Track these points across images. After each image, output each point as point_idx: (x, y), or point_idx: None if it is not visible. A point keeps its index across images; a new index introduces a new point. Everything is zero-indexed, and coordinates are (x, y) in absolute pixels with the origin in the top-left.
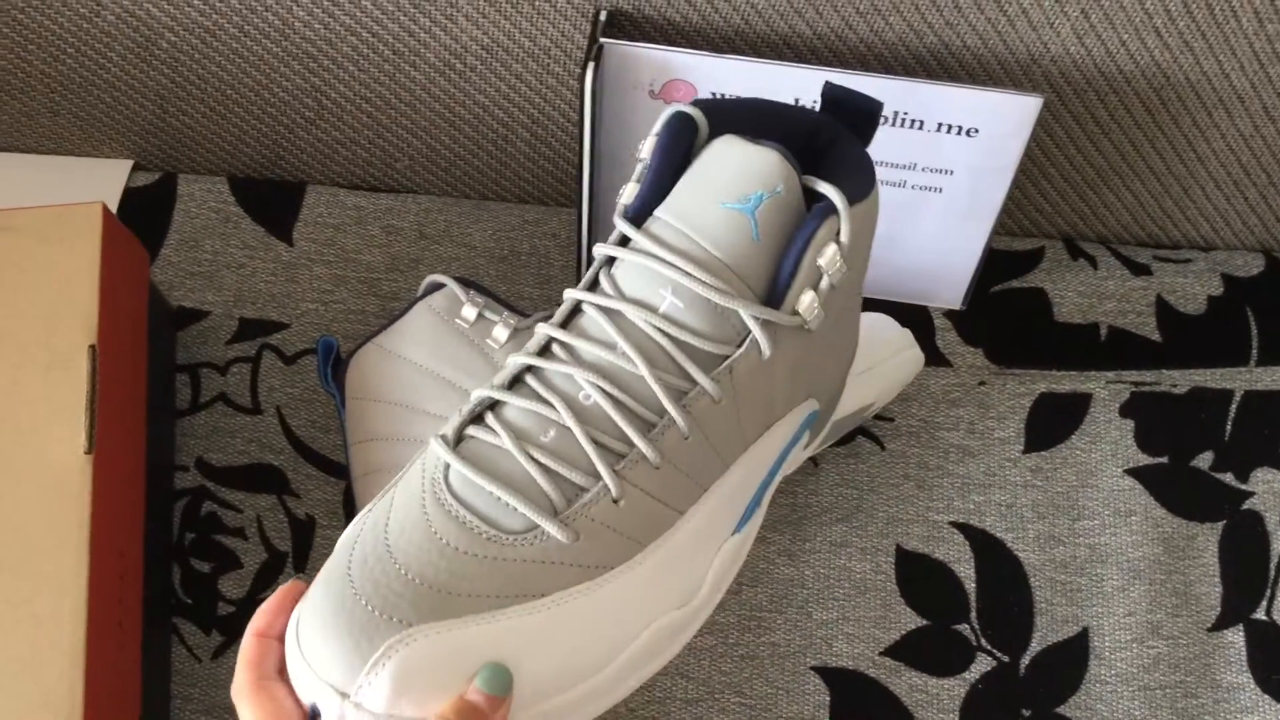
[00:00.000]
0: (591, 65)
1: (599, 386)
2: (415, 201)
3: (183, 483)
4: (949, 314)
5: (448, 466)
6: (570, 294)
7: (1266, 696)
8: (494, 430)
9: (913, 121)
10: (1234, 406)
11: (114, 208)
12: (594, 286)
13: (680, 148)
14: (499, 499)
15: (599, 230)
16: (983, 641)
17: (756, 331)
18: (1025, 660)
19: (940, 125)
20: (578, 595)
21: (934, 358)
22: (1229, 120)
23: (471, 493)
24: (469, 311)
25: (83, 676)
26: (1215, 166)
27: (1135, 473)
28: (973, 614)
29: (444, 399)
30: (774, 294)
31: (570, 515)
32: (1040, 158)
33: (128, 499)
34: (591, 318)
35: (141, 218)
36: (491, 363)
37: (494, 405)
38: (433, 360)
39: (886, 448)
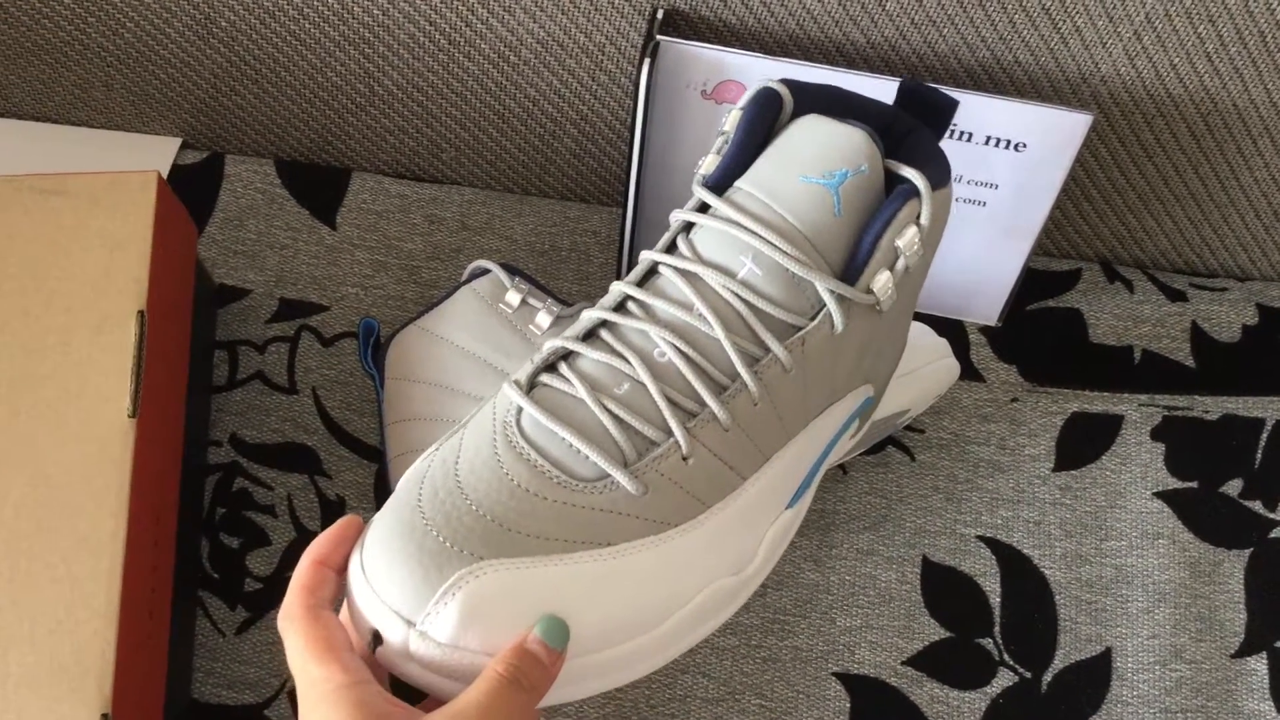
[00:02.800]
0: (648, 62)
1: (674, 345)
2: (459, 193)
3: (216, 458)
4: (984, 330)
5: (520, 410)
6: (647, 255)
7: None
8: (568, 379)
9: (961, 133)
10: (1265, 435)
11: None
12: (671, 249)
13: (765, 122)
14: (571, 445)
15: (644, 229)
16: (1005, 656)
17: (831, 305)
18: (1047, 677)
19: (989, 138)
20: (642, 548)
21: (968, 372)
22: (1274, 149)
23: (544, 437)
24: (513, 297)
25: (115, 638)
26: (1256, 195)
27: (1164, 496)
28: (996, 628)
29: (485, 382)
30: (851, 270)
31: (640, 468)
32: (1083, 178)
33: (166, 467)
34: (669, 279)
35: (187, 195)
36: (534, 348)
37: (568, 355)
38: (475, 343)
39: (917, 459)
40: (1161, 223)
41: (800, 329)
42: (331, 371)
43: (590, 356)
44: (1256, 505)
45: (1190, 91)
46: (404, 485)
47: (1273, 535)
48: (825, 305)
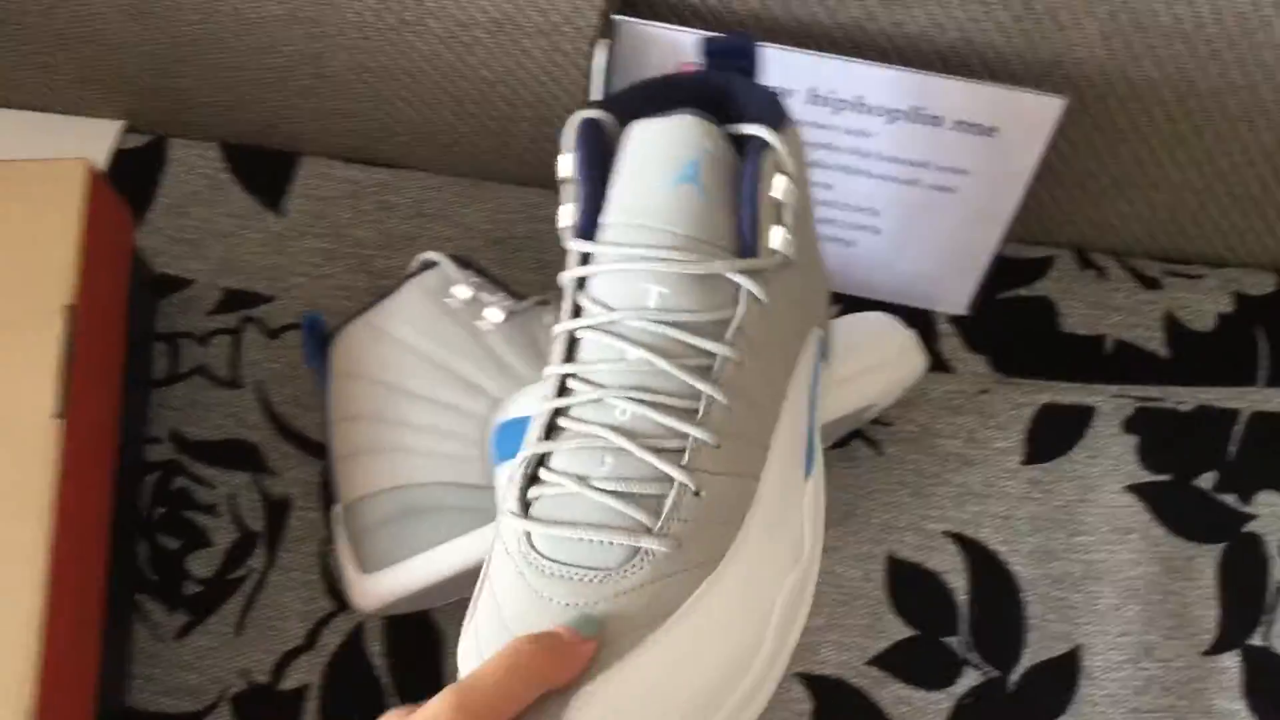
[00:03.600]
0: (604, 42)
1: (631, 399)
2: (413, 178)
3: (155, 455)
4: (953, 319)
5: (528, 534)
6: (559, 328)
7: None
8: (554, 483)
9: (930, 117)
10: (1240, 427)
11: (102, 168)
12: (577, 312)
13: (600, 151)
14: (590, 541)
15: None
16: (972, 655)
17: (747, 284)
18: (1014, 676)
19: (958, 122)
20: (706, 594)
21: (936, 363)
22: (1252, 134)
23: (564, 548)
24: (462, 291)
25: (38, 648)
26: (1234, 181)
27: (1136, 490)
28: (963, 626)
29: (432, 379)
30: (745, 244)
31: (663, 526)
32: (1056, 164)
33: (96, 468)
34: (592, 341)
35: (130, 180)
36: (483, 344)
37: (542, 460)
38: (423, 340)
39: (884, 453)
40: (1136, 209)
41: (731, 320)
42: (277, 365)
43: (563, 450)
44: (1230, 499)
45: (1166, 74)
46: (462, 662)
47: (1246, 530)
48: (742, 287)
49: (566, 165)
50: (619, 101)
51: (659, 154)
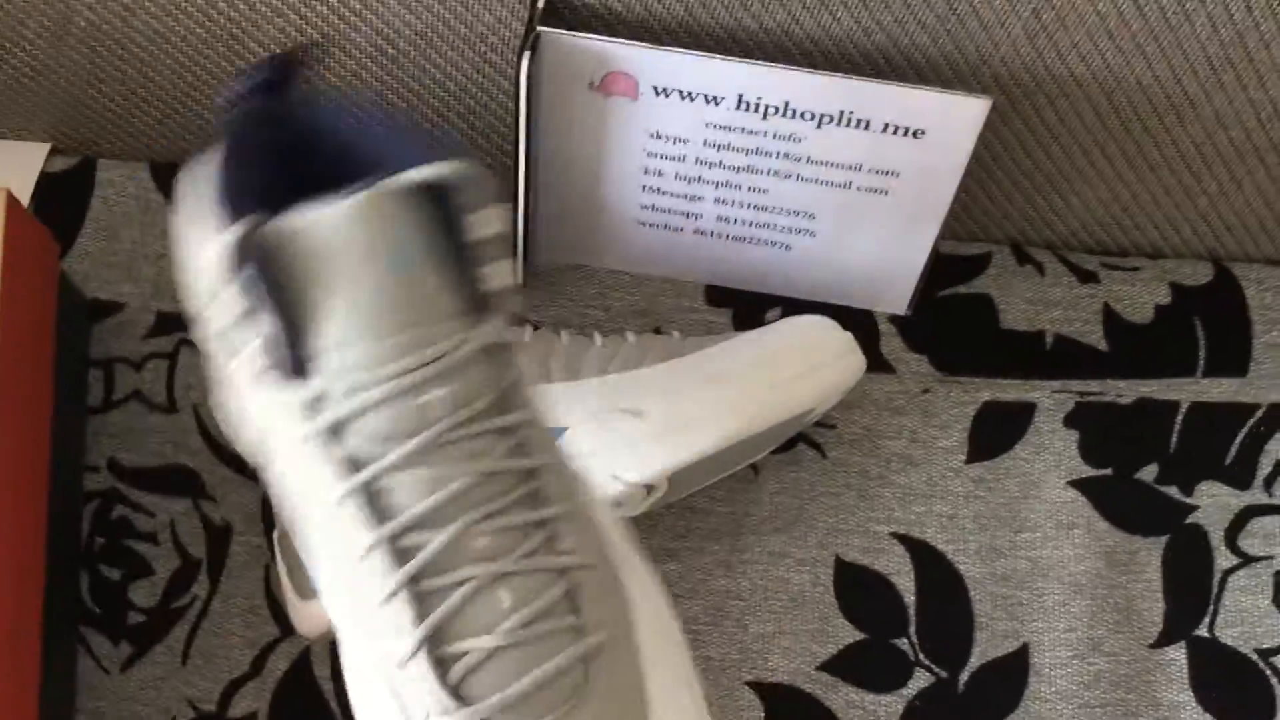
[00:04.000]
0: (527, 54)
1: (482, 573)
2: None
3: (93, 484)
4: (893, 319)
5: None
6: (368, 539)
7: (1208, 715)
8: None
9: (859, 121)
10: (1180, 418)
11: (29, 192)
12: (358, 467)
13: (274, 269)
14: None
15: (541, 227)
16: (921, 656)
17: (504, 335)
18: (964, 676)
19: (886, 126)
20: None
21: (878, 364)
22: (1180, 127)
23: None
24: None
25: None
26: (1165, 174)
27: (1079, 484)
28: (912, 628)
29: None
30: (476, 298)
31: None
32: (988, 161)
33: (27, 500)
34: (390, 489)
35: (58, 204)
36: None
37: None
38: None
39: (828, 455)
40: (1070, 203)
41: (509, 386)
42: None
43: (457, 642)
44: (1172, 490)
45: (1093, 70)
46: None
47: (1189, 521)
48: (500, 341)
49: (229, 306)
50: (280, 220)
51: (359, 248)
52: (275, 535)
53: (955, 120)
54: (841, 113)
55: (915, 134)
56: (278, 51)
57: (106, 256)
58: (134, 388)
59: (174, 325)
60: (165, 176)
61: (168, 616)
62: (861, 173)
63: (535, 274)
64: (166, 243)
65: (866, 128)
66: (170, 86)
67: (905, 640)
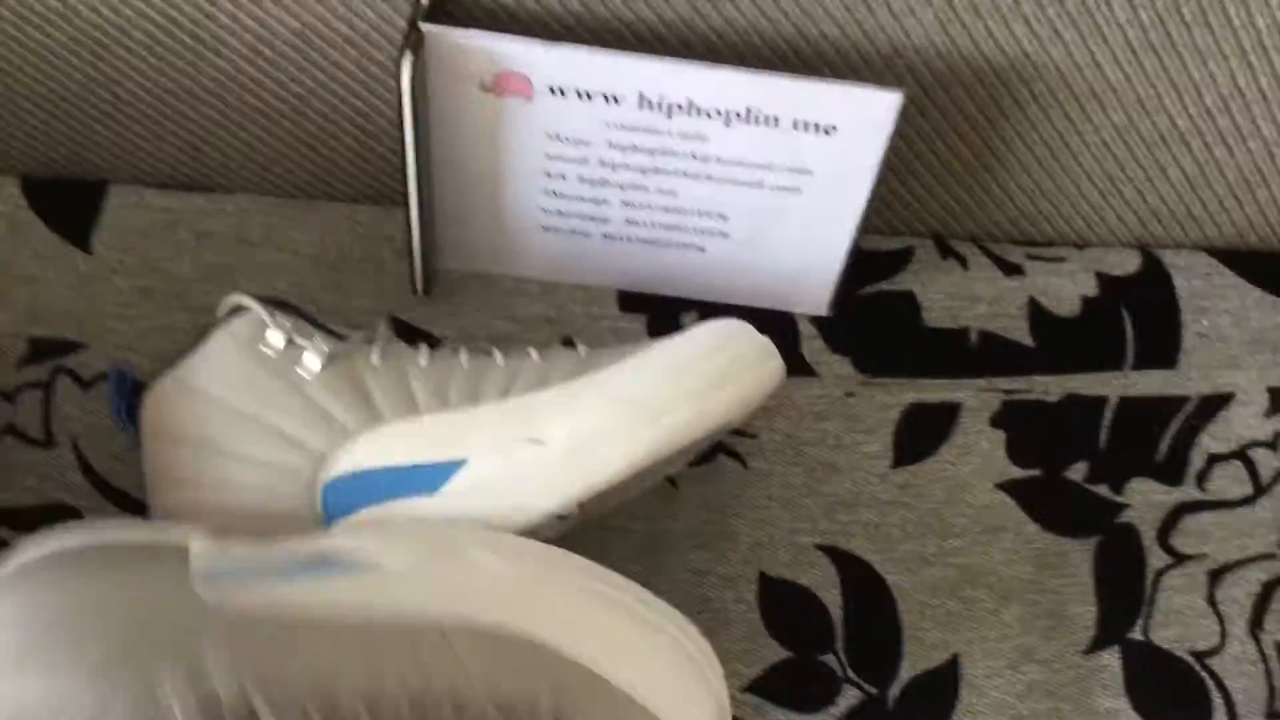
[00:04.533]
0: (409, 55)
1: None
2: (231, 202)
3: None
4: (815, 321)
5: None
6: None
7: None
8: None
9: (767, 118)
10: (1108, 413)
11: None
12: None
13: None
14: None
15: (438, 231)
16: (850, 672)
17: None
18: (894, 691)
19: (796, 122)
20: None
21: (800, 368)
22: (1102, 113)
23: None
24: (275, 338)
25: None
26: (1089, 161)
27: (1006, 487)
28: (839, 643)
29: (250, 437)
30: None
31: None
32: (906, 153)
33: None
34: None
35: None
36: (303, 395)
37: None
38: (236, 395)
39: (750, 466)
40: (992, 193)
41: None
42: (94, 419)
43: None
44: (1102, 489)
45: (1011, 58)
46: None
47: (1120, 520)
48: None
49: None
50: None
51: None
52: None
53: (868, 115)
54: (749, 109)
55: (826, 130)
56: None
57: None
58: (6, 421)
59: (49, 352)
60: (36, 192)
61: None
62: (773, 171)
63: (436, 284)
64: (39, 263)
65: (775, 125)
66: (35, 97)
67: (833, 656)
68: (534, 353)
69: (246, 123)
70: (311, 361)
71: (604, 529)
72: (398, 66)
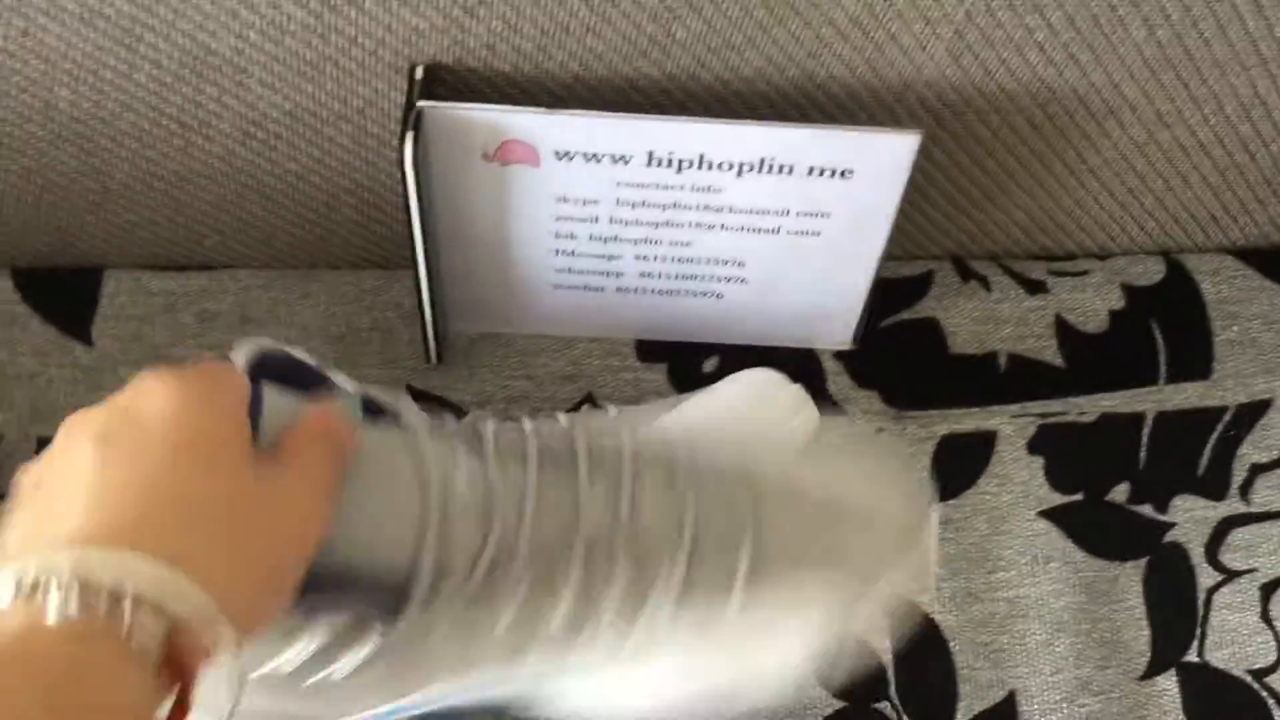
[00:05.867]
0: (410, 135)
1: None
2: (233, 279)
3: None
4: (838, 355)
5: None
6: None
7: None
8: None
9: (780, 167)
10: (1146, 431)
11: None
12: None
13: None
14: None
15: (448, 303)
16: (905, 719)
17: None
18: None
19: (811, 169)
20: None
21: (828, 405)
22: (1121, 129)
23: None
24: None
25: None
26: (1108, 176)
27: (1049, 514)
28: (892, 689)
29: None
30: None
31: None
32: (922, 183)
33: None
34: None
35: None
36: None
37: None
38: None
39: None
40: (1011, 214)
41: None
42: None
43: None
44: (1146, 509)
45: (1024, 84)
46: None
47: (1167, 539)
48: None
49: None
50: None
51: None
52: None
53: (885, 157)
54: (762, 160)
55: (843, 174)
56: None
57: None
58: None
59: None
60: (30, 284)
61: None
62: (790, 216)
63: (449, 348)
64: (39, 359)
65: (790, 173)
66: (20, 190)
67: (887, 704)
68: (562, 418)
69: (243, 201)
70: None
71: None
72: (400, 147)
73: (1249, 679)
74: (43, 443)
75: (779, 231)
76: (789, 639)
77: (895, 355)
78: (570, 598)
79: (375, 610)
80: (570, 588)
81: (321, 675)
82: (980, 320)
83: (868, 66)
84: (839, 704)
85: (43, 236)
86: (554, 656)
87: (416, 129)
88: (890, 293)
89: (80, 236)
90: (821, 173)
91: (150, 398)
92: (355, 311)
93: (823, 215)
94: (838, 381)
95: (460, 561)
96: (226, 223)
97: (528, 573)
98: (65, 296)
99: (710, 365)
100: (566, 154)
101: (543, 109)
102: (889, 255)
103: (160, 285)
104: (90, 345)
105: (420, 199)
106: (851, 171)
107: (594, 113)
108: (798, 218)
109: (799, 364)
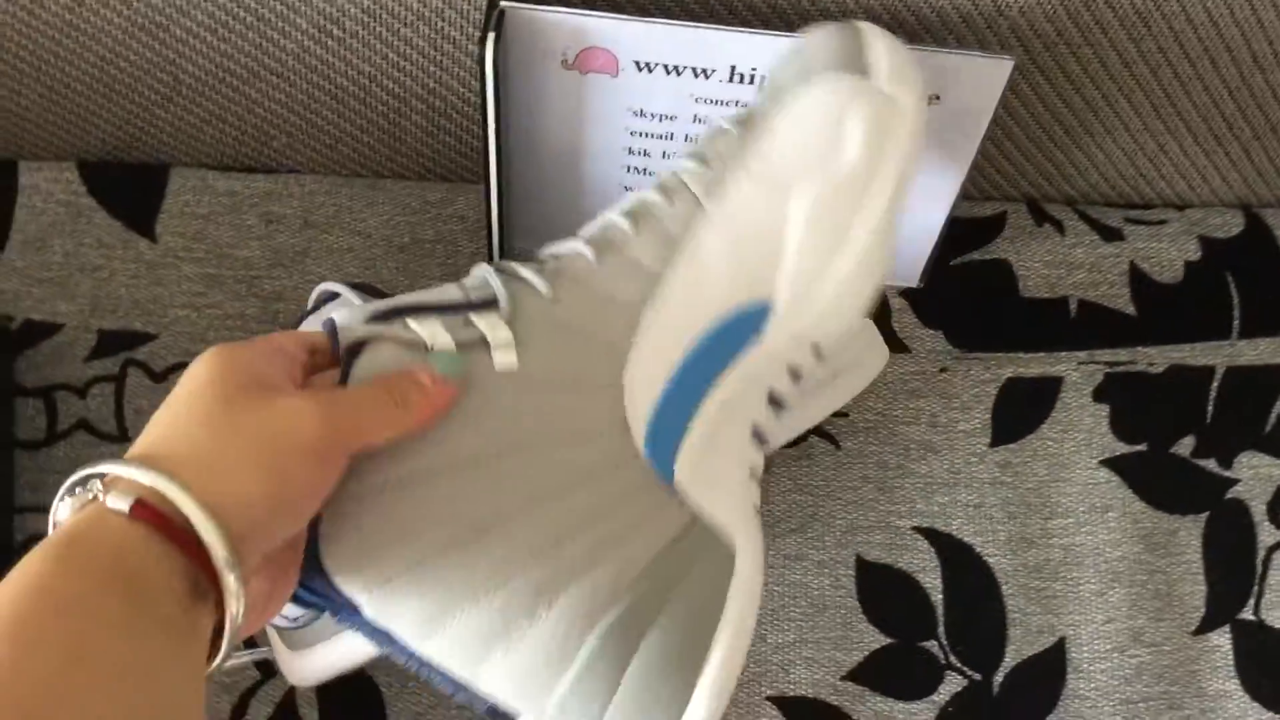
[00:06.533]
0: (492, 35)
1: None
2: (298, 183)
3: (35, 527)
4: (904, 293)
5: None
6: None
7: (1256, 704)
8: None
9: None
10: (1215, 385)
11: None
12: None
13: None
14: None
15: (516, 212)
16: (952, 659)
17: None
18: (998, 678)
19: None
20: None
21: (891, 343)
22: (1214, 71)
23: None
24: (440, 338)
25: None
26: (1196, 121)
27: (1111, 463)
28: (940, 629)
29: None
30: None
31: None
32: (1004, 116)
33: None
34: None
35: None
36: (532, 386)
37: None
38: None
39: (842, 446)
40: (1092, 156)
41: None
42: None
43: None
44: (1210, 464)
45: (1120, 16)
46: None
47: (1229, 496)
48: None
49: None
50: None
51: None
52: None
53: (974, 83)
54: None
55: (931, 99)
56: None
57: (36, 272)
58: (79, 417)
59: (119, 344)
60: (96, 177)
61: None
62: None
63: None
64: (103, 252)
65: None
66: (93, 81)
67: (935, 643)
68: (686, 163)
69: (313, 103)
70: (500, 336)
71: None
72: (481, 46)
73: None
74: (103, 335)
75: None
76: None
77: (963, 295)
78: None
79: None
80: None
81: None
82: (1053, 264)
83: None
84: (886, 640)
85: (111, 129)
86: None
87: (498, 29)
88: (962, 232)
89: (148, 131)
90: None
91: (196, 363)
92: (420, 222)
93: None
94: (902, 319)
95: None
96: (295, 124)
97: None
98: (131, 192)
99: None
100: (647, 65)
101: (628, 16)
102: (964, 195)
103: (225, 185)
104: (154, 241)
105: (496, 104)
106: (939, 97)
107: (680, 22)
108: None
109: None
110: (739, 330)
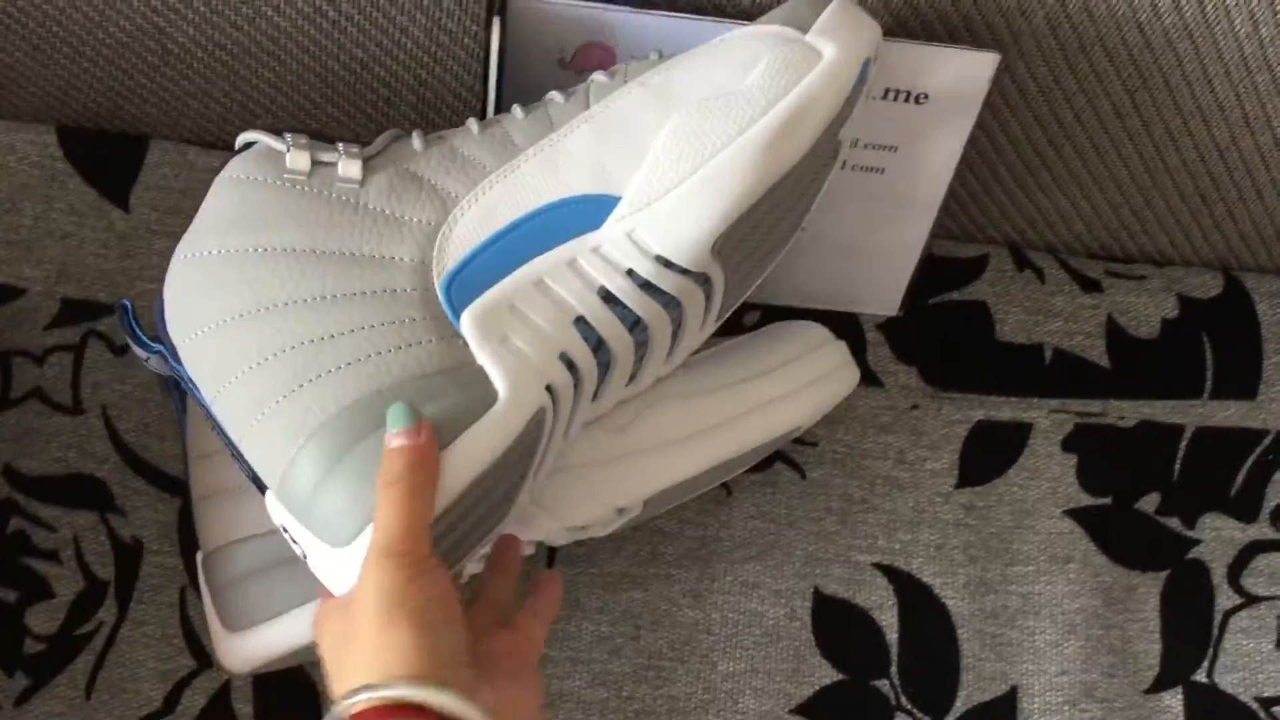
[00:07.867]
0: (498, 20)
1: None
2: None
3: None
4: (881, 326)
5: None
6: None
7: None
8: None
9: None
10: (1184, 444)
11: None
12: None
13: None
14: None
15: None
16: (903, 700)
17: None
18: None
19: (887, 92)
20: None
21: (865, 376)
22: (1205, 129)
23: None
24: (298, 160)
25: None
26: (1183, 178)
27: (1075, 514)
28: (894, 669)
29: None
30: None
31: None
32: (992, 157)
33: None
34: None
35: None
36: (359, 210)
37: None
38: (280, 236)
39: (808, 476)
40: (1078, 206)
41: None
42: (125, 387)
43: None
44: (1174, 522)
45: (1117, 66)
46: None
47: (1190, 556)
48: None
49: None
50: None
51: None
52: (199, 556)
53: (962, 80)
54: None
55: (919, 99)
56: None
57: (4, 234)
58: (34, 384)
59: (81, 314)
60: (74, 143)
61: (70, 645)
62: (858, 149)
63: None
64: (74, 219)
65: (866, 96)
66: (78, 44)
67: (886, 682)
68: (599, 75)
69: (302, 85)
70: (350, 169)
71: (656, 532)
72: (485, 33)
73: (1256, 706)
74: (66, 304)
75: (844, 166)
76: None
77: (940, 334)
78: None
79: None
80: None
81: None
82: (1031, 311)
83: (955, 9)
84: (838, 676)
85: (93, 95)
86: None
87: (503, 18)
88: (943, 272)
89: (131, 100)
90: (897, 96)
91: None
92: None
93: (890, 149)
94: (878, 353)
95: None
96: (282, 105)
97: None
98: (108, 160)
99: (751, 320)
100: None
101: (623, 8)
102: (946, 234)
103: (205, 162)
104: (128, 212)
105: (498, 97)
106: (927, 96)
107: (682, 15)
108: (866, 150)
109: (839, 330)
110: (579, 215)
